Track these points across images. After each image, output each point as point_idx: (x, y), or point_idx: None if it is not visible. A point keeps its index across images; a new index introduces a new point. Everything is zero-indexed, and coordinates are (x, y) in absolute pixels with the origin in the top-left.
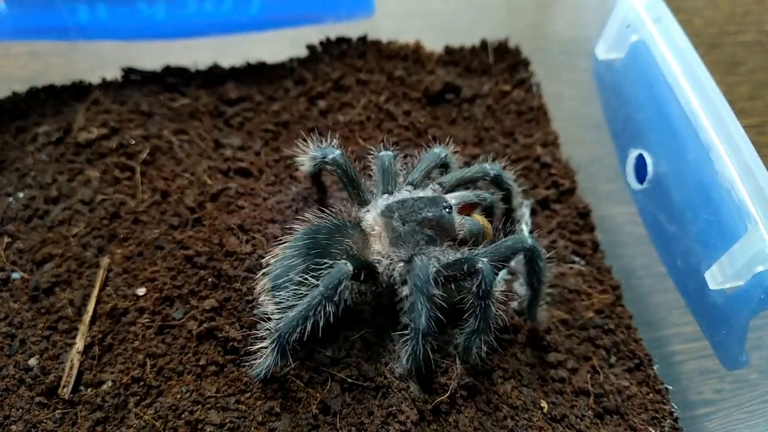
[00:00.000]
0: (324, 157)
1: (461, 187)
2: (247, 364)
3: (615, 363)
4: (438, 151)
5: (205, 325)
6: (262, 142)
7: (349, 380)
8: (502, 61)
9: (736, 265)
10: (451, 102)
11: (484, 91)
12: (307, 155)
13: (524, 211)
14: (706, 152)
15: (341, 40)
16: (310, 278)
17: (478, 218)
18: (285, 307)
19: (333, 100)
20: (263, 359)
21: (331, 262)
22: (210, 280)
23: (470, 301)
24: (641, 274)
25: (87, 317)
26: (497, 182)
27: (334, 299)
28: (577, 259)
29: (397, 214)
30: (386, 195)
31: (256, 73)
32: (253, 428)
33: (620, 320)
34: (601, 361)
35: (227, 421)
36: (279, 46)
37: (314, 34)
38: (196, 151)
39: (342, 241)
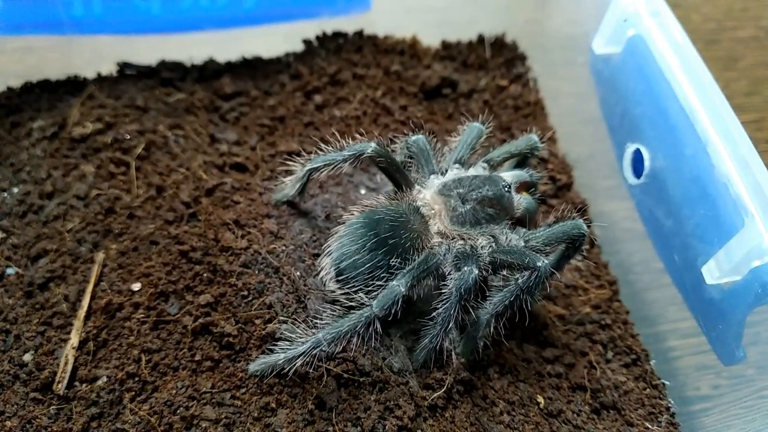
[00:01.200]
0: (362, 152)
1: (508, 163)
2: (248, 356)
3: (612, 358)
4: (477, 125)
5: (200, 320)
6: (257, 137)
7: (346, 375)
8: (499, 56)
9: (733, 260)
10: (448, 97)
11: (481, 86)
12: (335, 153)
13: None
14: (703, 147)
15: (337, 35)
16: (379, 274)
17: (527, 195)
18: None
19: (329, 95)
20: (288, 356)
21: (399, 259)
22: (205, 275)
23: (511, 287)
24: (639, 270)
25: (82, 313)
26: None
27: (385, 317)
28: None
29: (455, 192)
30: (435, 175)
31: (251, 68)
32: (248, 424)
33: (617, 316)
34: (598, 357)
35: (223, 416)
36: (275, 40)
37: (310, 28)
38: (192, 146)
39: (403, 232)
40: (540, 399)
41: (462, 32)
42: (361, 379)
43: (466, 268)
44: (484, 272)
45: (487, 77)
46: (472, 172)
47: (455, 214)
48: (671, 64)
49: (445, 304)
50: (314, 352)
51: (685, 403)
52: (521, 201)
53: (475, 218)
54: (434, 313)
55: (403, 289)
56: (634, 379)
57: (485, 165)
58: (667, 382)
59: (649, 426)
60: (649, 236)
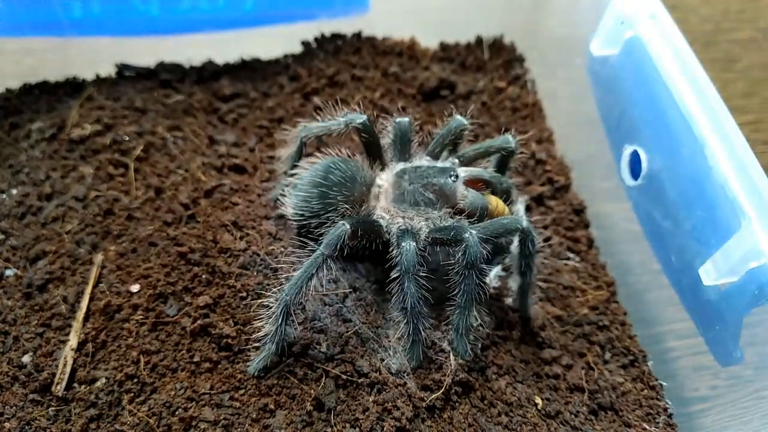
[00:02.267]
0: (351, 122)
1: (482, 161)
2: (246, 357)
3: (609, 359)
4: (458, 118)
5: (199, 321)
6: (256, 138)
7: (344, 376)
8: (497, 58)
9: (730, 261)
10: (446, 98)
11: (479, 88)
12: (328, 121)
13: (519, 207)
14: (700, 148)
15: (336, 36)
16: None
17: (492, 198)
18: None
19: (328, 97)
20: (269, 330)
21: (343, 206)
22: (204, 276)
23: (457, 272)
24: (637, 271)
25: (80, 314)
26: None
27: (335, 257)
28: (571, 255)
29: (407, 176)
30: (403, 162)
31: (250, 70)
32: (247, 425)
33: (615, 317)
34: (596, 358)
35: (221, 417)
36: (273, 42)
37: (309, 30)
38: (190, 148)
39: (354, 185)
40: (538, 400)
41: (460, 34)
42: (359, 381)
43: (404, 243)
44: (421, 248)
45: (485, 79)
46: (436, 164)
47: (398, 193)
48: (668, 66)
49: (399, 288)
50: (284, 309)
51: (683, 404)
52: (467, 194)
53: (414, 199)
54: (396, 307)
55: (348, 227)
56: (631, 380)
57: (455, 161)
58: (664, 383)
59: (647, 427)
60: (646, 237)
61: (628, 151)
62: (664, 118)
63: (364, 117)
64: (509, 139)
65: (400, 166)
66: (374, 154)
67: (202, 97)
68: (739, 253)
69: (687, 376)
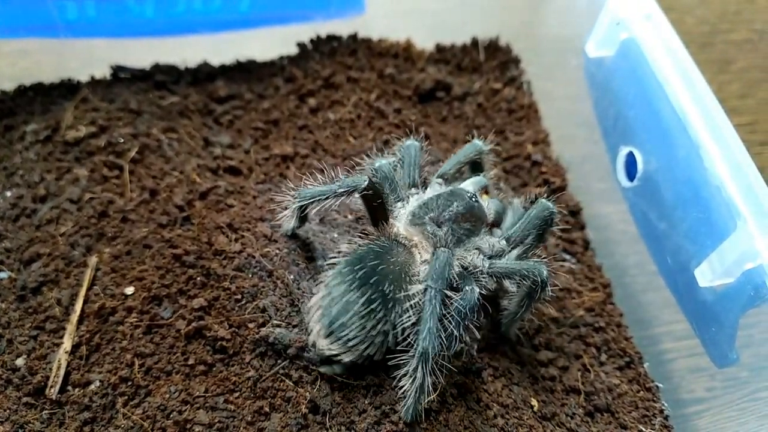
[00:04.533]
0: (356, 186)
1: (464, 173)
2: (241, 360)
3: (605, 361)
4: (476, 145)
5: (193, 324)
6: (251, 140)
7: (340, 379)
8: (493, 59)
9: (726, 262)
10: (442, 100)
11: (475, 89)
12: (327, 185)
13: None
14: (695, 149)
15: (332, 38)
16: (375, 307)
17: (486, 197)
18: (352, 346)
19: (323, 98)
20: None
21: (392, 286)
22: (199, 279)
23: (521, 296)
24: (634, 273)
25: (74, 317)
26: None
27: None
28: (567, 257)
29: (427, 218)
30: (401, 203)
31: (245, 71)
32: (242, 428)
33: (611, 318)
34: (592, 359)
35: (216, 420)
36: (269, 43)
37: (305, 31)
38: (185, 150)
39: (392, 260)
40: (534, 402)
41: (456, 35)
42: (355, 383)
43: (467, 288)
44: (484, 290)
45: (481, 80)
46: (430, 192)
47: (436, 240)
48: (664, 67)
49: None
50: (429, 363)
51: (679, 406)
52: (490, 206)
53: (456, 238)
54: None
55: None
56: (627, 382)
57: (440, 181)
58: (660, 385)
59: (643, 429)
60: (642, 238)
61: (623, 152)
62: (660, 120)
63: (367, 179)
64: (479, 144)
65: (403, 210)
66: (380, 216)
67: (197, 98)
68: (735, 254)
69: (683, 378)
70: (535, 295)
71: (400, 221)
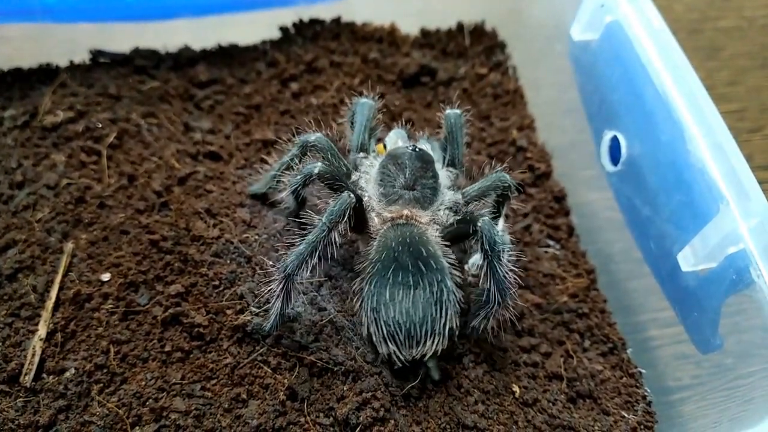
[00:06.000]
0: (309, 173)
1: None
2: (219, 347)
3: (589, 347)
4: (503, 177)
5: (170, 310)
6: (232, 125)
7: (319, 364)
8: (479, 44)
9: (708, 246)
10: (427, 85)
11: (460, 74)
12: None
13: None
14: (679, 133)
15: (315, 22)
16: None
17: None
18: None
19: (306, 83)
20: (272, 306)
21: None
22: (176, 265)
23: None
24: (619, 260)
25: (50, 303)
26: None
27: (339, 229)
28: (551, 243)
29: (398, 189)
30: (355, 174)
31: (227, 56)
32: (219, 415)
33: (594, 304)
34: (575, 346)
35: (193, 408)
36: (251, 28)
37: (287, 15)
38: (165, 135)
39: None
40: (515, 388)
41: (441, 20)
42: (335, 369)
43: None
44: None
45: (467, 65)
46: (373, 165)
47: (423, 202)
48: (647, 50)
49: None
50: (289, 282)
51: (664, 393)
52: (428, 147)
53: (430, 191)
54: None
55: (353, 198)
56: (610, 368)
57: (459, 197)
58: (643, 371)
59: (625, 414)
60: (627, 224)
61: (608, 136)
62: (644, 103)
63: (319, 164)
64: (504, 177)
65: (375, 191)
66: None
67: (178, 83)
68: (717, 238)
69: (668, 365)
70: (507, 201)
71: (372, 208)
